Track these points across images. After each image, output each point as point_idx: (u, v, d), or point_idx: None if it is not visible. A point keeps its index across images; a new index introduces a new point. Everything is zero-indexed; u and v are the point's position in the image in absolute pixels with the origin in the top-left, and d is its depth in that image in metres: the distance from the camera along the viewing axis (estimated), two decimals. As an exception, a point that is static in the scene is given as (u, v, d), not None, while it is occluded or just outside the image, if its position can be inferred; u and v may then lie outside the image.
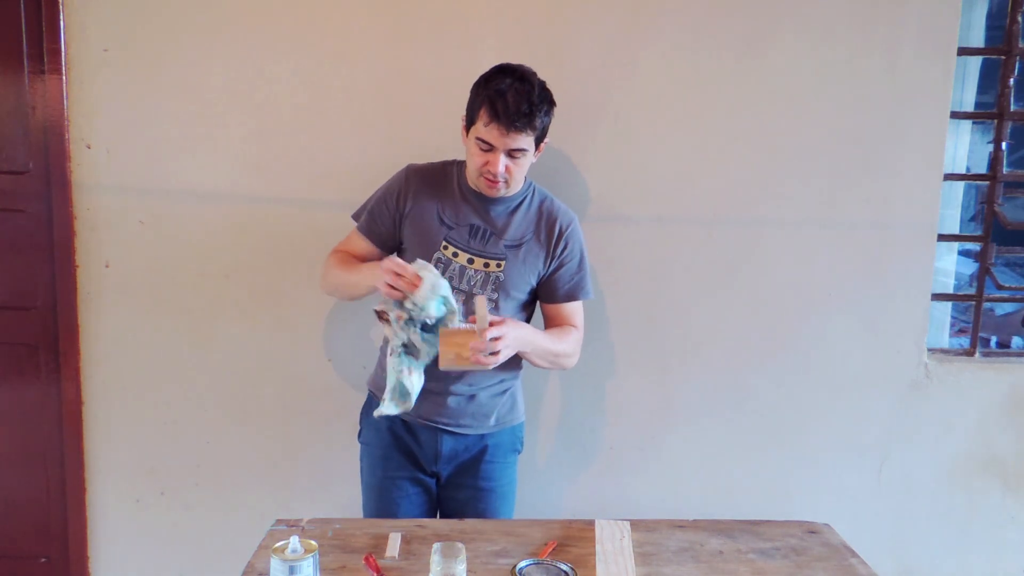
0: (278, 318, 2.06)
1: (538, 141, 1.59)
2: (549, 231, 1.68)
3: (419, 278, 1.45)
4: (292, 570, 1.18)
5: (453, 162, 1.71)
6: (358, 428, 1.83)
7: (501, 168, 1.54)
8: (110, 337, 2.07)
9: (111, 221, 2.02)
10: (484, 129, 1.53)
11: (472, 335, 1.47)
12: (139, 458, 2.12)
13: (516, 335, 1.54)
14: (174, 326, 2.06)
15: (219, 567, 2.15)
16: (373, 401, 1.74)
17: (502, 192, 1.61)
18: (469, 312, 1.56)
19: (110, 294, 2.05)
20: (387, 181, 1.71)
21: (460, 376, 1.65)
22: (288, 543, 1.21)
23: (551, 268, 1.69)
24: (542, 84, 1.56)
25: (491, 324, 1.48)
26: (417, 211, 1.65)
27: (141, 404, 2.10)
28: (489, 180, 1.57)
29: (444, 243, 1.64)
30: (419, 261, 1.52)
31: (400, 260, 1.50)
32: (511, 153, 1.54)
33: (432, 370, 1.60)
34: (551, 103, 1.58)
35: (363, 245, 1.72)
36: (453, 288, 1.57)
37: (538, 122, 1.54)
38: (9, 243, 2.04)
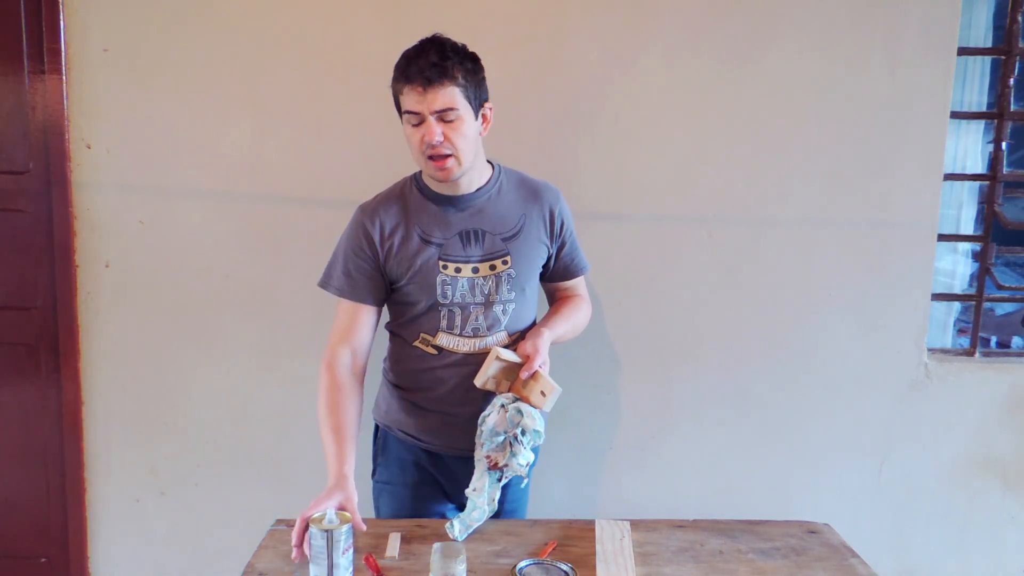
0: (278, 318, 2.06)
1: (472, 101, 1.45)
2: (543, 213, 1.59)
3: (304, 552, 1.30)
4: (329, 538, 1.23)
5: (404, 179, 1.60)
6: (371, 467, 1.70)
7: (437, 135, 1.41)
8: (110, 337, 2.07)
9: (111, 221, 2.02)
10: (405, 100, 1.43)
11: (514, 370, 1.48)
12: (139, 458, 2.12)
13: (545, 348, 1.51)
14: (174, 326, 2.07)
15: (219, 567, 2.15)
16: (388, 436, 1.66)
17: (455, 171, 1.46)
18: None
19: (110, 294, 2.05)
20: (345, 232, 1.57)
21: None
22: (324, 514, 1.27)
23: (555, 249, 1.64)
24: (457, 44, 1.45)
25: (526, 359, 1.47)
26: (397, 245, 1.52)
27: (141, 404, 2.10)
28: (435, 160, 1.44)
29: (442, 263, 1.52)
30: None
31: (299, 528, 1.31)
32: (441, 117, 1.41)
33: (468, 400, 1.55)
34: (472, 59, 1.45)
35: (352, 312, 1.54)
36: (468, 303, 1.53)
37: (456, 73, 1.41)
38: (9, 243, 2.04)
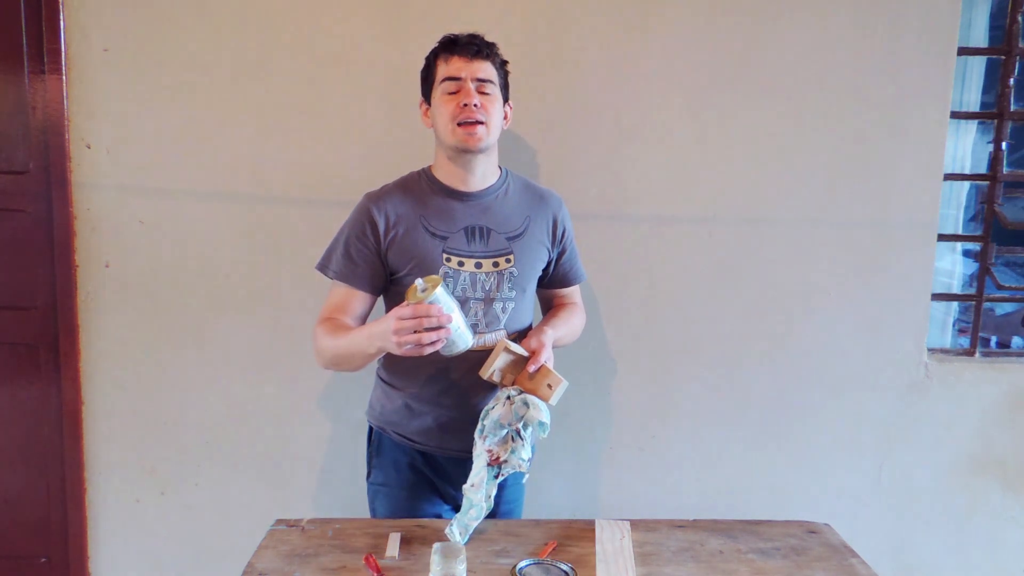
0: (278, 318, 2.06)
1: (502, 90, 1.56)
2: (546, 218, 1.63)
3: (447, 317, 1.32)
4: (444, 292, 1.34)
5: (413, 172, 1.62)
6: (366, 470, 1.70)
7: (475, 97, 1.48)
8: (110, 337, 2.07)
9: (111, 221, 2.02)
10: (447, 67, 1.51)
11: (519, 364, 1.49)
12: (139, 458, 2.12)
13: (550, 343, 1.53)
14: (174, 326, 2.06)
15: (219, 567, 2.15)
16: (383, 438, 1.66)
17: (483, 139, 1.50)
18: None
19: (110, 294, 2.05)
20: (350, 218, 1.58)
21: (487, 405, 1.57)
22: (415, 285, 1.34)
23: (555, 255, 1.66)
24: None
25: (532, 353, 1.48)
26: (401, 234, 1.53)
27: (141, 404, 2.10)
28: (467, 125, 1.48)
29: (445, 256, 1.53)
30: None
31: (415, 307, 1.32)
32: (480, 87, 1.50)
33: (462, 401, 1.57)
34: (504, 60, 1.58)
35: (347, 295, 1.55)
36: (468, 298, 1.53)
37: (496, 57, 1.54)
38: (9, 243, 2.04)
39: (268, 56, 1.96)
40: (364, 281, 1.56)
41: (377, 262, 1.55)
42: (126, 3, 1.94)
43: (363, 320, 1.59)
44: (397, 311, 1.34)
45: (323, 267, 1.59)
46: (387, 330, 1.35)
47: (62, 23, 1.94)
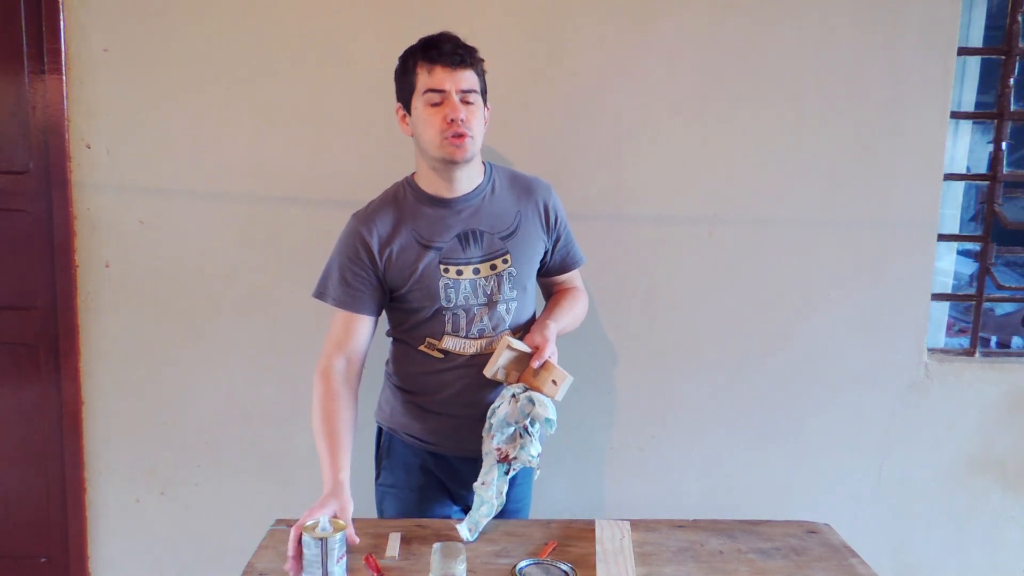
0: (278, 318, 2.06)
1: (483, 94, 1.52)
2: (537, 208, 1.60)
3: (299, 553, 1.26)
4: (323, 546, 1.23)
5: (396, 184, 1.60)
6: (375, 472, 1.70)
7: (462, 111, 1.44)
8: (110, 337, 2.07)
9: (111, 221, 2.02)
10: (430, 78, 1.45)
11: (523, 361, 1.48)
12: (139, 458, 2.12)
13: (553, 337, 1.51)
14: (174, 326, 2.07)
15: (219, 567, 2.15)
16: (393, 439, 1.65)
17: (470, 150, 1.47)
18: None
19: (110, 294, 2.05)
20: (340, 242, 1.55)
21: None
22: (318, 522, 1.26)
23: (551, 243, 1.64)
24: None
25: (536, 349, 1.47)
26: (396, 252, 1.51)
27: (141, 404, 2.10)
28: (454, 137, 1.44)
29: (443, 267, 1.51)
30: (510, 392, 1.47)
31: (293, 531, 1.29)
32: (464, 98, 1.46)
33: (473, 401, 1.55)
34: (482, 60, 1.53)
35: (350, 322, 1.53)
36: (472, 305, 1.53)
37: (476, 62, 1.49)
38: (9, 243, 2.04)
39: (268, 56, 1.96)
40: (365, 304, 1.53)
41: (376, 283, 1.53)
42: (126, 3, 1.94)
43: (370, 338, 1.56)
44: (308, 514, 1.31)
45: (321, 295, 1.55)
46: (324, 495, 1.37)
47: (62, 23, 1.94)
